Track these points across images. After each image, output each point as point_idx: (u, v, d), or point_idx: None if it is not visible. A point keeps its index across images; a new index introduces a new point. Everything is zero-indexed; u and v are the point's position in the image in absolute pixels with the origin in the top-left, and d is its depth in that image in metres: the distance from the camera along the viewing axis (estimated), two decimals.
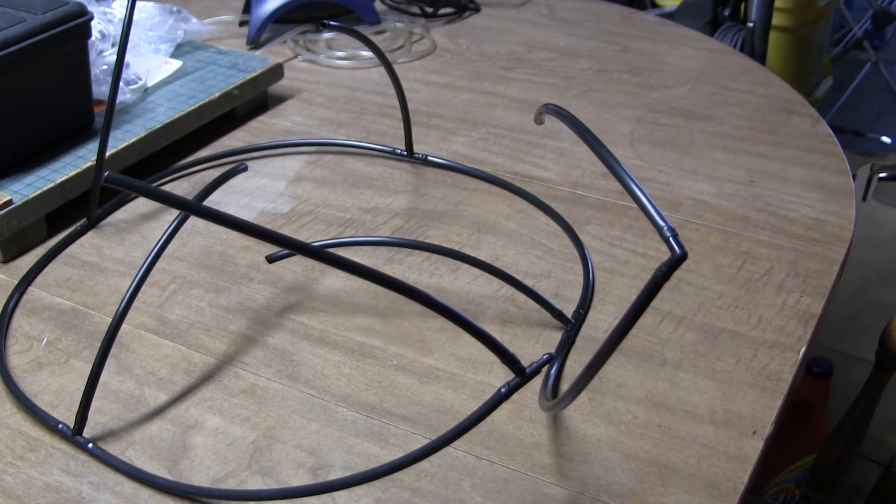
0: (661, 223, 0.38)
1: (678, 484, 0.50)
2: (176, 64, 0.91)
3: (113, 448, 0.52)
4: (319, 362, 0.59)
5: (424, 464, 0.51)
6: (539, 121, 0.58)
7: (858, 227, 0.74)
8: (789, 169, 0.81)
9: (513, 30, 1.14)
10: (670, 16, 1.71)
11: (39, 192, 0.70)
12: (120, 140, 0.77)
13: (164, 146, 0.81)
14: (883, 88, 2.62)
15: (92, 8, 0.78)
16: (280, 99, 0.95)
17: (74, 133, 0.78)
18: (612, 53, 1.07)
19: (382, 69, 0.76)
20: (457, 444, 0.51)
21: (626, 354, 0.59)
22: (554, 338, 0.61)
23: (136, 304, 0.57)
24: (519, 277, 0.65)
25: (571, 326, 0.61)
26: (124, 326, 0.61)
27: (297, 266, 0.68)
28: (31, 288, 0.66)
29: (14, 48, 0.68)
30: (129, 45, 0.83)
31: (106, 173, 0.34)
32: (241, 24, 1.14)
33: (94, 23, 0.77)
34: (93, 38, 0.77)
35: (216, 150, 0.85)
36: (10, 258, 0.69)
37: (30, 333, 0.62)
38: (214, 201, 0.76)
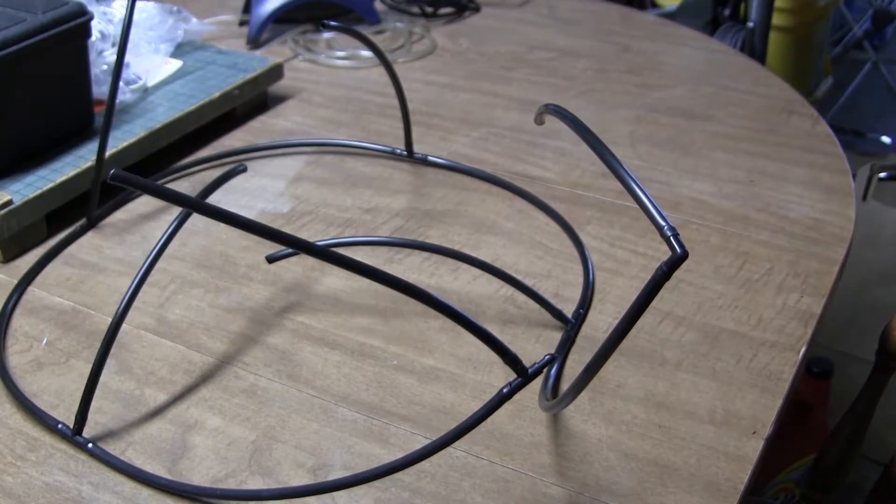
0: (662, 223, 0.38)
1: (678, 484, 0.50)
2: (176, 64, 0.91)
3: (113, 448, 0.52)
4: (319, 362, 0.59)
5: (424, 464, 0.51)
6: (539, 121, 0.58)
7: (858, 227, 0.74)
8: (789, 169, 0.81)
9: (513, 30, 1.14)
10: (670, 16, 1.71)
11: (39, 192, 0.70)
12: (120, 140, 0.77)
13: (164, 146, 0.81)
14: (883, 88, 2.62)
15: (92, 8, 0.78)
16: (280, 99, 0.95)
17: (74, 133, 0.78)
18: (612, 53, 1.07)
19: (382, 69, 0.76)
20: (457, 444, 0.51)
21: (626, 354, 0.59)
22: (554, 338, 0.61)
23: (136, 304, 0.57)
24: (519, 277, 0.65)
25: (571, 326, 0.61)
26: (124, 326, 0.61)
27: (297, 266, 0.68)
28: (30, 288, 0.66)
29: (14, 48, 0.68)
30: (129, 45, 0.83)
31: (112, 171, 0.34)
32: (241, 24, 1.14)
33: (94, 23, 0.77)
34: (93, 38, 0.77)
35: (216, 150, 0.85)
36: (10, 258, 0.69)
37: (30, 333, 0.62)
38: (214, 201, 0.76)
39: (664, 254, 0.69)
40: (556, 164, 0.82)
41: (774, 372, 0.58)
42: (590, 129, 0.47)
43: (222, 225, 0.65)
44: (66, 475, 0.51)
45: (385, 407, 0.55)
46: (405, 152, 0.83)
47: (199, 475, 0.51)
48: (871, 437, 0.89)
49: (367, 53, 1.05)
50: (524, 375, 0.42)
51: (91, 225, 0.73)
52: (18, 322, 0.63)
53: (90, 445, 0.52)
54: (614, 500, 0.49)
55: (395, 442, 0.53)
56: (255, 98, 0.92)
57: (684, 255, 0.36)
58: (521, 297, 0.64)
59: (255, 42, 1.09)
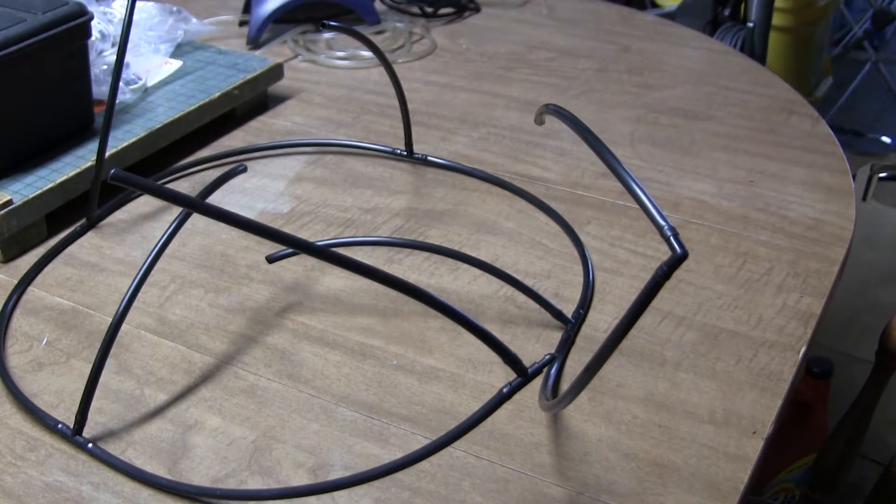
0: (662, 223, 0.38)
1: (678, 484, 0.50)
2: (176, 64, 0.91)
3: (113, 448, 0.52)
4: (319, 362, 0.59)
5: (424, 464, 0.51)
6: (539, 121, 0.58)
7: (858, 227, 0.74)
8: (789, 169, 0.81)
9: (513, 30, 1.14)
10: (670, 16, 1.71)
11: (39, 192, 0.70)
12: (120, 140, 0.77)
13: (164, 146, 0.81)
14: (883, 88, 2.62)
15: (92, 8, 0.78)
16: (280, 99, 0.95)
17: (74, 133, 0.78)
18: (612, 53, 1.07)
19: (382, 69, 0.76)
20: (457, 444, 0.51)
21: (626, 354, 0.59)
22: (554, 338, 0.61)
23: (136, 304, 0.57)
24: (519, 277, 0.65)
25: (571, 326, 0.61)
26: (124, 326, 0.61)
27: (297, 266, 0.68)
28: (31, 288, 0.66)
29: (14, 48, 0.68)
30: (129, 45, 0.83)
31: (112, 171, 0.34)
32: (241, 24, 1.14)
33: (94, 23, 0.77)
34: (93, 38, 0.77)
35: (216, 150, 0.85)
36: (10, 258, 0.69)
37: (30, 333, 0.62)
38: (214, 201, 0.76)
39: (664, 254, 0.69)
40: (556, 164, 0.82)
41: (774, 372, 0.58)
42: (590, 129, 0.47)
43: (222, 225, 0.65)
44: (66, 475, 0.51)
45: (385, 407, 0.55)
46: (405, 152, 0.83)
47: (199, 475, 0.51)
48: (871, 437, 0.89)
49: (367, 53, 1.05)
50: (524, 375, 0.42)
51: (91, 225, 0.73)
52: (18, 322, 0.63)
53: (90, 445, 0.52)
54: (614, 500, 0.49)
55: (395, 442, 0.53)
56: (255, 98, 0.92)
57: (684, 255, 0.36)
58: (521, 297, 0.64)
59: (255, 42, 1.09)
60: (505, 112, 0.92)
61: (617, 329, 0.39)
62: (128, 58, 0.85)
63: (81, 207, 0.73)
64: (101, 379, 0.53)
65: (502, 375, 0.58)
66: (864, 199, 1.54)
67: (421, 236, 0.72)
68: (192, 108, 0.83)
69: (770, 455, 0.53)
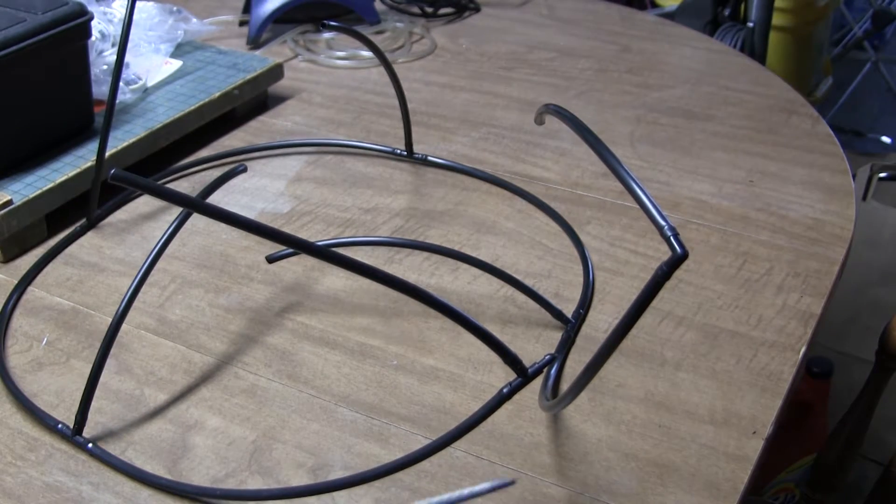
0: (662, 222, 0.38)
1: (678, 484, 0.50)
2: (176, 64, 0.91)
3: (113, 448, 0.52)
4: (319, 362, 0.59)
5: (424, 464, 0.51)
6: (539, 121, 0.58)
7: (858, 227, 0.74)
8: (789, 169, 0.81)
9: (513, 30, 1.14)
10: (670, 16, 1.71)
11: (39, 192, 0.70)
12: (120, 140, 0.77)
13: (164, 146, 0.81)
14: (883, 88, 2.62)
15: (92, 8, 0.78)
16: (280, 99, 0.95)
17: (74, 133, 0.78)
18: (612, 53, 1.07)
19: (382, 69, 0.76)
20: (457, 444, 0.51)
21: (626, 354, 0.59)
22: (554, 338, 0.61)
23: (136, 304, 0.57)
24: (519, 277, 0.65)
25: (571, 326, 0.61)
26: (124, 326, 0.61)
27: (297, 266, 0.68)
28: (30, 288, 0.66)
29: (14, 48, 0.68)
30: (129, 45, 0.83)
31: (112, 171, 0.34)
32: (241, 24, 1.14)
33: (94, 23, 0.77)
34: (93, 38, 0.77)
35: (216, 150, 0.85)
36: (10, 258, 0.69)
37: (30, 333, 0.62)
38: (214, 201, 0.76)
39: (664, 254, 0.69)
40: (556, 164, 0.82)
41: (774, 372, 0.58)
42: (590, 129, 0.47)
43: (222, 225, 0.65)
44: (66, 475, 0.51)
45: (385, 407, 0.55)
46: (405, 152, 0.83)
47: (199, 475, 0.51)
48: (871, 437, 0.89)
49: (367, 53, 1.05)
50: (524, 375, 0.42)
51: (91, 225, 0.73)
52: (18, 322, 0.63)
53: (90, 445, 0.52)
54: (614, 500, 0.49)
55: (395, 442, 0.53)
56: (255, 98, 0.92)
57: (684, 255, 0.36)
58: (521, 297, 0.64)
59: (255, 42, 1.09)
60: (505, 112, 0.92)
61: (617, 329, 0.39)
62: (128, 58, 0.85)
63: (81, 207, 0.73)
64: (101, 379, 0.53)
65: (502, 375, 0.58)
66: (864, 199, 1.54)
67: (421, 236, 0.72)
68: (192, 108, 0.83)
69: (770, 455, 0.53)
